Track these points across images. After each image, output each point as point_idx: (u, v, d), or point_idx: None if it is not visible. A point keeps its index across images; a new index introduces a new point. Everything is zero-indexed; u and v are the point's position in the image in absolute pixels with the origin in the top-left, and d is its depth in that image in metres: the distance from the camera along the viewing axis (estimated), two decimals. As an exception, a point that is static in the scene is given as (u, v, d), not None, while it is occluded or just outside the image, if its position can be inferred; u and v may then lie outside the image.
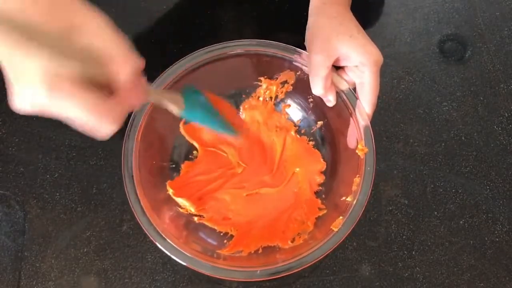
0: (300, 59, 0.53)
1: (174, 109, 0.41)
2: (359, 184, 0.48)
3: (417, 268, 0.52)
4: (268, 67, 0.55)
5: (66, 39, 0.31)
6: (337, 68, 0.51)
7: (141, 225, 0.46)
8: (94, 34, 0.32)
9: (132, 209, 0.47)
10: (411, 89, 0.61)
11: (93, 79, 0.32)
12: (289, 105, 0.58)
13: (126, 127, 0.50)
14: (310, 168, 0.55)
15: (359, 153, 0.49)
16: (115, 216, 0.53)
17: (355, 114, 0.50)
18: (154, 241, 0.46)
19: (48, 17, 0.30)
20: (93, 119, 0.31)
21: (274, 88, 0.57)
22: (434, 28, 0.65)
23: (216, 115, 0.45)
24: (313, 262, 0.45)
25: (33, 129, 0.57)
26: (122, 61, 0.33)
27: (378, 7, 0.67)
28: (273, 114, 0.58)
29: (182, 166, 0.55)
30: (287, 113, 0.58)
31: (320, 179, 0.55)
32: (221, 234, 0.52)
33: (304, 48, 0.54)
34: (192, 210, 0.52)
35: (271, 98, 0.58)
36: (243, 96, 0.58)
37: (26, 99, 0.30)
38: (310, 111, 0.57)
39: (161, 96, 0.41)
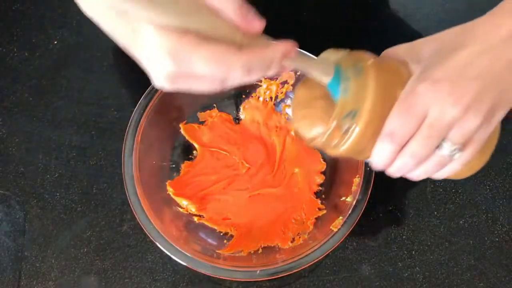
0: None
1: (320, 76, 0.37)
2: (359, 184, 0.48)
3: (417, 268, 0.52)
4: (268, 67, 0.55)
5: None
6: None
7: (141, 225, 0.46)
8: None
9: (132, 209, 0.47)
10: (411, 89, 0.61)
11: (217, 34, 0.30)
12: (289, 105, 0.58)
13: (126, 127, 0.50)
14: (310, 168, 0.55)
15: (359, 153, 0.49)
16: (115, 216, 0.53)
17: None
18: (154, 241, 0.46)
19: None
20: (222, 71, 0.30)
21: (274, 88, 0.57)
22: (434, 28, 0.65)
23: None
24: (312, 263, 0.45)
25: (33, 129, 0.57)
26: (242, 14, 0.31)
27: (378, 8, 0.67)
28: (273, 114, 0.58)
29: (182, 166, 0.55)
30: (287, 113, 0.58)
31: (320, 179, 0.55)
32: (221, 234, 0.52)
33: (303, 48, 0.54)
34: (193, 209, 0.52)
35: (271, 98, 0.58)
36: (243, 96, 0.58)
37: (158, 73, 0.30)
38: (310, 111, 0.57)
39: (307, 63, 0.37)
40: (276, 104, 0.58)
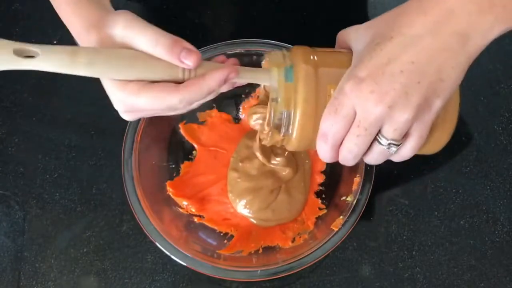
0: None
1: (270, 84, 0.39)
2: (359, 184, 0.48)
3: (418, 268, 0.52)
4: (268, 67, 0.55)
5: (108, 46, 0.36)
6: None
7: (141, 225, 0.46)
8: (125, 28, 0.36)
9: (132, 209, 0.47)
10: (411, 89, 0.61)
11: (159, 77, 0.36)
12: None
13: (126, 127, 0.50)
14: (310, 168, 0.55)
15: (359, 153, 0.49)
16: (115, 216, 0.53)
17: None
18: (154, 241, 0.46)
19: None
20: (165, 108, 0.36)
21: (274, 88, 0.57)
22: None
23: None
24: (313, 262, 0.45)
25: (33, 129, 0.57)
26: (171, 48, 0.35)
27: (378, 7, 0.67)
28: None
29: (182, 166, 0.55)
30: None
31: (320, 178, 0.55)
32: (221, 234, 0.52)
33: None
34: (193, 210, 0.52)
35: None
36: (243, 96, 0.58)
37: (118, 110, 0.39)
38: (310, 111, 0.57)
39: (254, 76, 0.39)
40: (276, 104, 0.58)
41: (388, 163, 0.56)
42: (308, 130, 0.38)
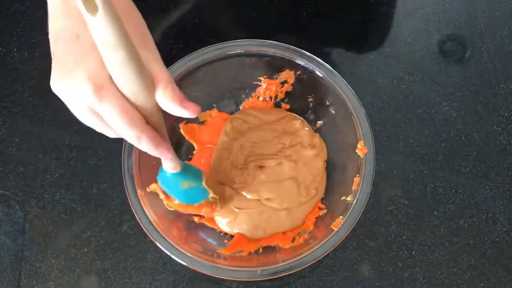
0: (300, 59, 0.53)
1: (169, 167, 0.43)
2: (359, 184, 0.48)
3: (417, 268, 0.52)
4: (267, 67, 0.55)
5: None
6: None
7: (141, 225, 0.46)
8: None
9: (132, 209, 0.47)
10: (411, 89, 0.61)
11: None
12: (289, 105, 0.58)
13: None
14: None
15: (359, 153, 0.49)
16: (115, 216, 0.53)
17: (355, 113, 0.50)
18: (154, 241, 0.46)
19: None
20: (122, 125, 0.34)
21: (274, 88, 0.57)
22: (434, 28, 0.65)
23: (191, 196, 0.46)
24: (313, 262, 0.45)
25: (33, 129, 0.57)
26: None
27: (378, 7, 0.67)
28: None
29: (182, 166, 0.55)
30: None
31: (320, 179, 0.55)
32: (221, 234, 0.52)
33: (303, 48, 0.54)
34: (192, 210, 0.52)
35: (271, 98, 0.58)
36: (243, 96, 0.58)
37: (70, 92, 0.33)
38: (309, 111, 0.57)
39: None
40: (276, 104, 0.58)
41: (388, 162, 0.56)
42: None
